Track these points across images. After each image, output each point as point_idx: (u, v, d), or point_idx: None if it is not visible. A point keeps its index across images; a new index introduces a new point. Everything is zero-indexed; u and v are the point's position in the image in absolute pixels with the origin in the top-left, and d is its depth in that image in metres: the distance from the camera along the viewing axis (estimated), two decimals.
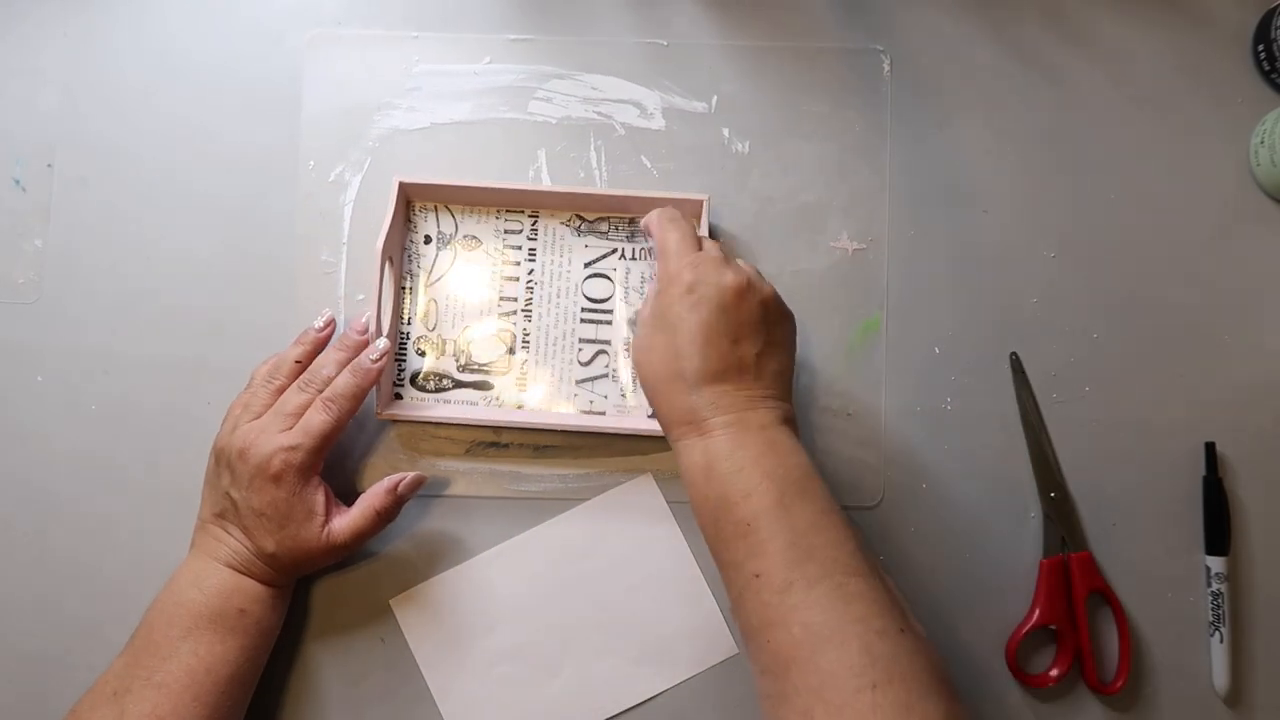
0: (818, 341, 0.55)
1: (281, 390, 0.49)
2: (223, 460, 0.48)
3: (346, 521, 0.48)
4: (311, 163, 0.55)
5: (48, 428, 0.54)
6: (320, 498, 0.48)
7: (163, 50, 0.56)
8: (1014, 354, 0.55)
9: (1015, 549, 0.54)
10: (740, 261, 0.46)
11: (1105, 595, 0.53)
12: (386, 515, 0.50)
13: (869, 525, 0.54)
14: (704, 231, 0.53)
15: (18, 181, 0.55)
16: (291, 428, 0.47)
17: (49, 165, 0.55)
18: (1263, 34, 0.56)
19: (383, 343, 0.50)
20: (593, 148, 0.56)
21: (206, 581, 0.46)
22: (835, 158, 0.56)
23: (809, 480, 0.41)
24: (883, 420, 0.54)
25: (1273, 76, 0.56)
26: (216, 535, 0.48)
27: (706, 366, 0.43)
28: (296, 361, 0.50)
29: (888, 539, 0.54)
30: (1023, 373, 0.55)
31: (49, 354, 0.54)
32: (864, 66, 0.56)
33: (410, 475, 0.50)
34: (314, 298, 0.55)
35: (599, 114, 0.56)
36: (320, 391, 0.49)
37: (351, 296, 0.55)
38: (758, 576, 0.38)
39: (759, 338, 0.44)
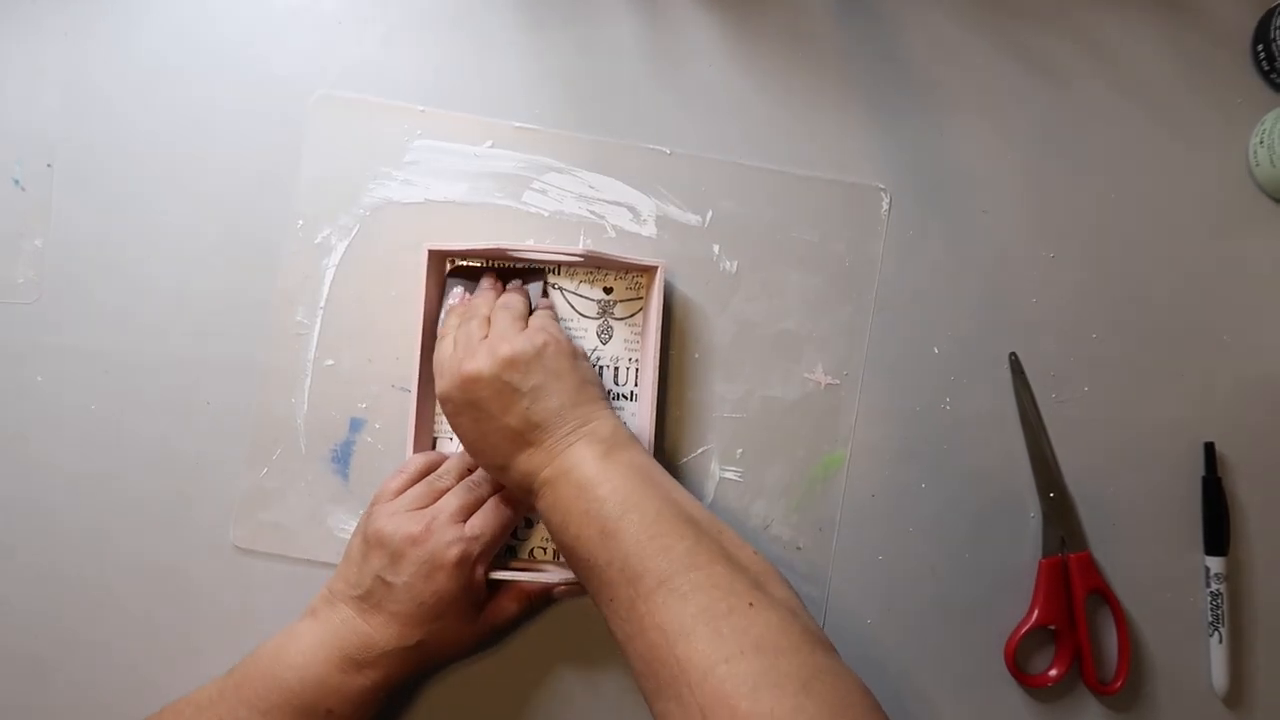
0: (778, 471, 0.54)
1: (443, 491, 0.49)
2: (383, 545, 0.46)
3: (499, 609, 0.50)
4: (300, 221, 0.55)
5: (48, 427, 0.54)
6: (482, 587, 0.48)
7: (163, 50, 0.56)
8: (1013, 354, 0.55)
9: (1014, 549, 0.54)
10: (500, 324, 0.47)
11: (1104, 595, 0.53)
12: (536, 601, 0.51)
13: None
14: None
15: (18, 181, 0.55)
16: (465, 520, 0.47)
17: (49, 165, 0.55)
18: (1262, 34, 0.56)
19: None
20: (581, 245, 0.55)
21: (310, 670, 0.45)
22: (821, 289, 0.55)
23: (630, 499, 0.42)
24: (832, 559, 0.54)
25: (1272, 76, 0.56)
26: (346, 618, 0.47)
27: (497, 452, 0.45)
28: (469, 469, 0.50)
29: (886, 538, 0.54)
30: (1022, 373, 0.55)
31: (49, 354, 0.54)
32: (863, 201, 0.55)
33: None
34: (284, 361, 0.54)
35: (592, 213, 0.55)
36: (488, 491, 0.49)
37: (320, 361, 0.54)
38: (611, 601, 0.41)
39: (519, 398, 0.44)
